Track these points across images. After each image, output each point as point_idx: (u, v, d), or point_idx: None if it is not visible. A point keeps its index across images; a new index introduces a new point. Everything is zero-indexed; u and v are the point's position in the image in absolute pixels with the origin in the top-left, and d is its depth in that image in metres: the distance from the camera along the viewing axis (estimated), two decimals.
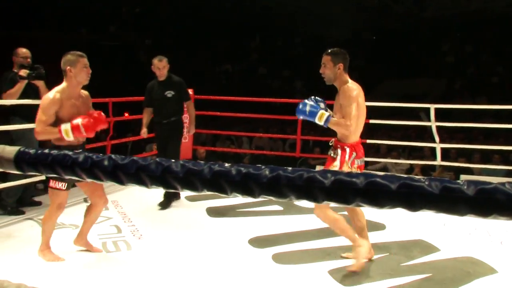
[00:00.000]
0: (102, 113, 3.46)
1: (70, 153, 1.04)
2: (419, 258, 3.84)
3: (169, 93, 5.26)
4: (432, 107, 6.48)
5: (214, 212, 5.07)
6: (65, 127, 3.23)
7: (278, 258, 3.78)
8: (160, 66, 5.21)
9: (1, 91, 4.74)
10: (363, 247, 3.49)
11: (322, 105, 3.42)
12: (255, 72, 17.49)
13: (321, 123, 3.30)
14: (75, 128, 3.24)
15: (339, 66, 3.36)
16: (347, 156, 3.35)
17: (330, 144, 3.54)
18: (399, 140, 9.37)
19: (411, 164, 7.86)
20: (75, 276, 3.38)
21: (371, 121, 6.97)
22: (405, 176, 0.93)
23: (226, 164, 0.98)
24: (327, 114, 3.31)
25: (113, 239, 4.13)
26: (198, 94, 7.27)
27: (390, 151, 8.68)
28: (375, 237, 4.31)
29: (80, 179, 1.09)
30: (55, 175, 3.21)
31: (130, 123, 10.31)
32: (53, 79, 4.91)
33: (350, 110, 3.27)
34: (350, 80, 3.39)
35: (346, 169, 3.33)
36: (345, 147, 3.38)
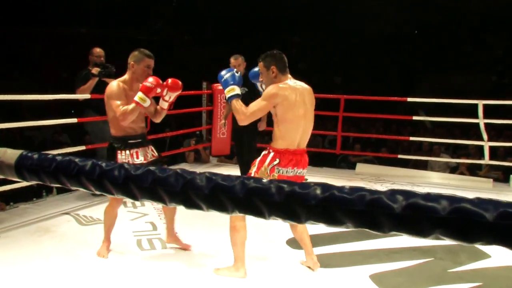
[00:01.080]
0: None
1: (77, 159, 0.90)
2: (468, 265, 3.59)
3: (243, 90, 5.34)
4: (480, 103, 6.15)
5: None
6: (138, 95, 3.22)
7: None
8: (235, 64, 5.42)
9: (76, 87, 5.25)
10: (239, 273, 3.26)
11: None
12: (295, 67, 17.26)
13: (227, 95, 3.15)
14: (145, 90, 3.21)
15: (272, 69, 3.12)
16: (267, 161, 3.06)
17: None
18: (443, 136, 9.02)
19: (455, 163, 7.51)
20: (107, 274, 3.30)
21: (414, 117, 6.71)
22: (506, 202, 0.73)
23: (264, 180, 0.81)
24: (237, 91, 3.14)
25: (148, 237, 4.05)
26: None
27: (433, 148, 8.34)
28: (418, 240, 4.07)
29: (89, 190, 0.94)
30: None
31: (168, 118, 10.29)
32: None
33: (255, 103, 3.11)
34: (289, 81, 3.13)
35: (263, 174, 3.05)
36: (270, 150, 3.10)
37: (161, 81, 3.29)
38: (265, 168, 3.06)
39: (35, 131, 10.35)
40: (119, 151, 3.42)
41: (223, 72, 3.19)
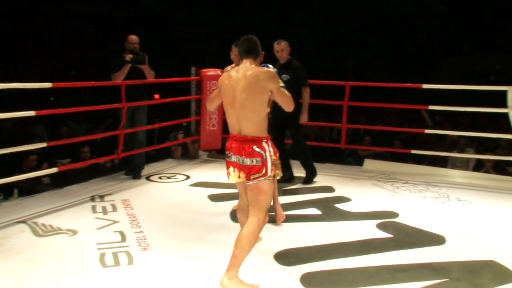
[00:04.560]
0: None
1: None
2: None
3: (285, 77, 5.53)
4: (510, 89, 5.83)
5: None
6: None
7: (308, 280, 3.34)
8: (279, 49, 5.70)
9: (111, 73, 6.00)
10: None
11: None
12: (302, 49, 16.90)
13: None
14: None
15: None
16: (271, 151, 3.25)
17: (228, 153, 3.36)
18: (467, 128, 8.70)
19: (479, 159, 7.15)
20: None
21: (430, 107, 6.40)
22: None
23: None
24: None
25: (114, 250, 3.80)
26: None
27: (457, 142, 7.99)
28: (430, 254, 3.80)
29: None
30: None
31: (159, 107, 10.01)
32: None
33: None
34: (241, 66, 3.39)
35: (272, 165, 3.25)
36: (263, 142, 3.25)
37: None
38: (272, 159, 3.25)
39: (7, 122, 10.11)
40: None
41: None
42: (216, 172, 6.35)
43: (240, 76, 3.24)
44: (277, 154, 3.27)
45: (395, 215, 4.78)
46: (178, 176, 6.27)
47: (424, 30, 17.46)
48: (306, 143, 6.18)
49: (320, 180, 6.05)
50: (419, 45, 17.16)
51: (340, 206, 5.06)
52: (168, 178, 6.20)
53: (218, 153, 7.39)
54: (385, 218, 4.66)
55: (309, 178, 5.95)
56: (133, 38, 6.11)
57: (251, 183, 3.19)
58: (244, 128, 3.22)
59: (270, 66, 3.64)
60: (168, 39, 17.17)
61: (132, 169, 6.22)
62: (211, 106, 3.64)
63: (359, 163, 7.11)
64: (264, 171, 3.15)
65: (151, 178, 6.14)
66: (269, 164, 3.16)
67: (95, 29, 17.06)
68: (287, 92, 3.33)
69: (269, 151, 3.19)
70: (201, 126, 7.16)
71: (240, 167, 3.23)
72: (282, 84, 3.33)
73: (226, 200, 5.18)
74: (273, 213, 4.07)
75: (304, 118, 5.77)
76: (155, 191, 5.60)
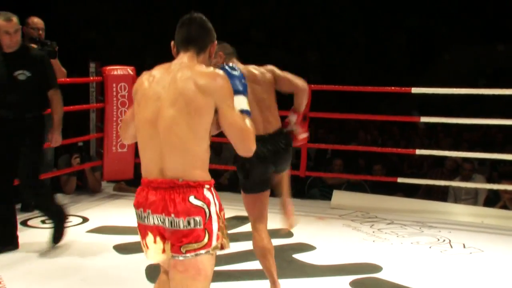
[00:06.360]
0: None
1: None
2: None
3: (21, 74, 5.07)
4: None
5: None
6: None
7: None
8: (11, 30, 4.95)
9: None
10: None
11: None
12: (245, 37, 17.09)
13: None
14: None
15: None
16: (217, 205, 2.65)
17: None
18: (475, 147, 8.88)
19: (492, 190, 7.29)
20: None
21: (423, 119, 6.49)
22: None
23: None
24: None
25: None
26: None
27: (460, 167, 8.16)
28: None
29: None
30: None
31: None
32: None
33: None
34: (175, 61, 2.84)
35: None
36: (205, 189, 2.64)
37: None
38: (220, 218, 2.65)
39: None
40: None
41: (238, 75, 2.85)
42: (126, 212, 6.28)
43: (170, 80, 2.67)
44: (223, 212, 2.69)
45: (376, 269, 4.85)
46: (71, 218, 6.14)
47: (415, 15, 17.93)
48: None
49: (271, 221, 6.05)
50: (411, 34, 17.56)
51: (300, 257, 5.12)
52: None
53: (129, 185, 7.32)
54: (362, 274, 4.73)
55: (59, 231, 5.31)
56: (37, 21, 6.12)
57: (182, 258, 2.57)
58: (171, 166, 2.61)
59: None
60: (56, 22, 17.00)
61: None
62: (126, 135, 2.99)
63: (327, 196, 7.19)
64: (206, 239, 2.57)
65: (29, 222, 6.02)
66: (214, 227, 2.59)
67: None
68: (245, 117, 2.70)
69: (215, 205, 2.61)
70: (105, 147, 7.11)
71: (165, 234, 2.62)
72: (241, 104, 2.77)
73: (139, 251, 5.12)
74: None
75: (56, 138, 5.33)
76: (35, 241, 5.43)
